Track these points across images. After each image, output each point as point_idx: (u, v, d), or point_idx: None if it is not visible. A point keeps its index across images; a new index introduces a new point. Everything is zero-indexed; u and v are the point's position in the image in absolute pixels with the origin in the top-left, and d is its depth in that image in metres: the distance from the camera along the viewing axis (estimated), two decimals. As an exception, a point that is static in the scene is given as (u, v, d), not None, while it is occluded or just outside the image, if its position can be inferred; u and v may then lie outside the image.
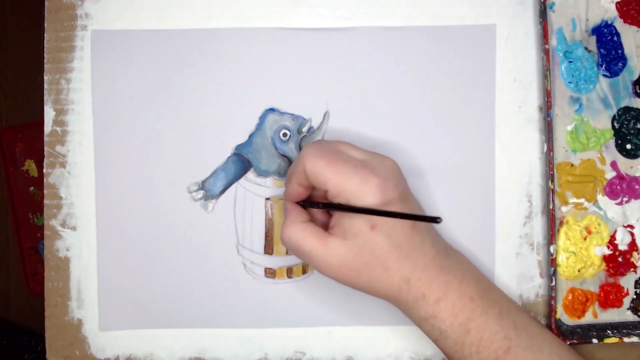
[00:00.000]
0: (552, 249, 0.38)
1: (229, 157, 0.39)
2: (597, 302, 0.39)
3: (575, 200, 0.39)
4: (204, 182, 0.39)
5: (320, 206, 0.33)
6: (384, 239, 0.31)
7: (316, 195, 0.35)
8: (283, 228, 0.33)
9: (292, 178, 0.33)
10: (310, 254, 0.32)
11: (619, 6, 0.39)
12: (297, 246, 0.32)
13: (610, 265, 0.39)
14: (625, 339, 0.37)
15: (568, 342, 0.37)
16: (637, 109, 0.39)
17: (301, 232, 0.32)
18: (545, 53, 0.38)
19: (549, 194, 0.38)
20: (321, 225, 0.34)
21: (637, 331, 0.38)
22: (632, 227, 0.39)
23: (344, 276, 0.32)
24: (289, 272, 0.40)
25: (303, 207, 0.34)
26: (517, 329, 0.33)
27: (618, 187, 0.39)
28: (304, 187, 0.33)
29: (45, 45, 0.39)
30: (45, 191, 0.40)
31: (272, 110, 0.39)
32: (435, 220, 0.29)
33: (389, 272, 0.32)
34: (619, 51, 0.39)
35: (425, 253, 0.32)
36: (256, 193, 0.39)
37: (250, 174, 0.39)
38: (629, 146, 0.39)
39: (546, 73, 0.38)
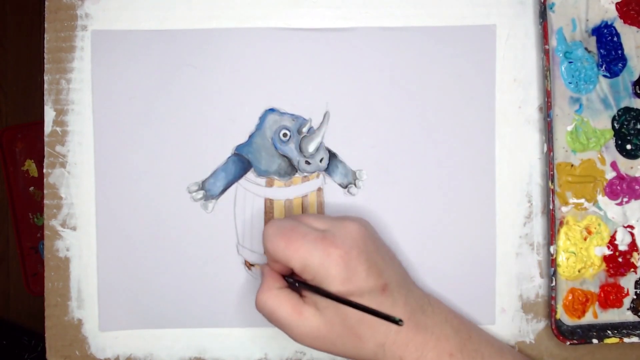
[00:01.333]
0: (552, 249, 0.38)
1: (229, 157, 0.39)
2: (597, 303, 0.39)
3: (575, 200, 0.39)
4: (204, 182, 0.39)
5: (295, 284, 0.33)
6: (354, 310, 0.30)
7: None
8: (258, 293, 0.33)
9: (266, 255, 0.34)
10: (283, 322, 0.32)
11: (619, 7, 0.39)
12: (271, 313, 0.32)
13: (611, 265, 0.39)
14: (626, 339, 0.37)
15: (568, 343, 0.37)
16: (637, 109, 0.39)
17: (276, 298, 0.32)
18: (545, 53, 0.38)
19: (549, 194, 0.38)
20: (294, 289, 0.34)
21: (637, 331, 0.38)
22: (632, 227, 0.39)
23: (319, 346, 0.32)
24: (289, 272, 0.40)
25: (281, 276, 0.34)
26: None
27: (618, 188, 0.39)
28: (277, 264, 0.33)
29: (45, 45, 0.39)
30: (45, 191, 0.40)
31: (272, 110, 0.39)
32: (396, 322, 0.28)
33: (362, 340, 0.32)
34: (619, 52, 0.39)
35: (397, 314, 0.32)
36: (256, 193, 0.39)
37: (250, 174, 0.39)
38: (629, 146, 0.39)
39: (546, 73, 0.38)
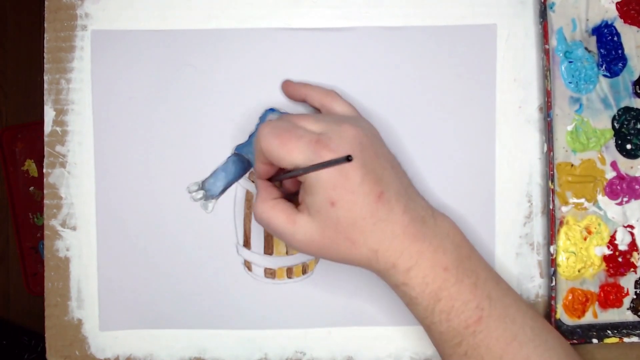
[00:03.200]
0: (552, 249, 0.38)
1: (229, 157, 0.39)
2: (597, 302, 0.39)
3: (575, 200, 0.39)
4: (204, 182, 0.39)
5: (275, 179, 0.34)
6: (345, 213, 0.31)
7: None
8: (254, 205, 0.34)
9: (256, 157, 0.34)
10: (279, 231, 0.33)
11: (619, 6, 0.39)
12: (268, 223, 0.33)
13: (610, 265, 0.39)
14: (625, 339, 0.37)
15: (568, 342, 0.37)
16: (637, 109, 0.39)
17: (271, 209, 0.33)
18: (546, 53, 0.38)
19: (549, 194, 0.38)
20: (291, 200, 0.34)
21: (637, 331, 0.38)
22: (632, 227, 0.39)
23: (312, 251, 0.32)
24: (289, 272, 0.40)
25: (272, 182, 0.35)
26: (492, 300, 0.32)
27: (618, 187, 0.39)
28: (267, 164, 0.33)
29: (45, 45, 0.39)
30: (45, 191, 0.40)
31: (272, 110, 0.39)
32: (347, 159, 0.26)
33: (355, 245, 0.32)
34: (619, 51, 0.39)
35: (394, 222, 0.31)
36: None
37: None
38: (629, 146, 0.39)
39: (546, 73, 0.38)
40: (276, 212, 0.33)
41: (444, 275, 0.32)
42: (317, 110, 0.38)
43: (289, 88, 0.38)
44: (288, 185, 0.36)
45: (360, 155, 0.31)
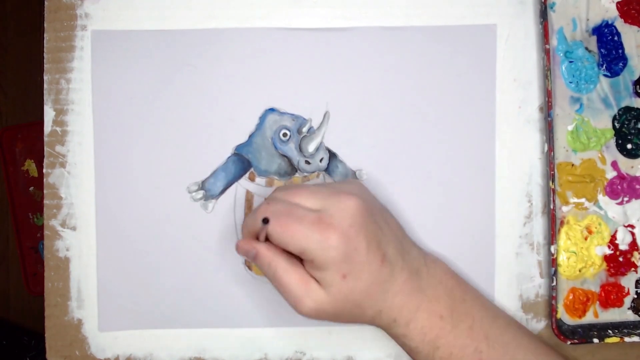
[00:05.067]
0: (552, 248, 0.38)
1: (229, 157, 0.39)
2: (597, 302, 0.39)
3: (575, 200, 0.39)
4: (204, 182, 0.39)
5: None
6: (355, 283, 0.31)
7: None
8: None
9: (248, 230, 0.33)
10: (289, 290, 0.32)
11: (619, 6, 0.39)
12: (277, 278, 0.32)
13: (611, 265, 0.39)
14: (626, 339, 0.37)
15: (569, 342, 0.37)
16: (637, 108, 0.39)
17: (286, 270, 0.32)
18: (546, 53, 0.38)
19: (550, 193, 0.38)
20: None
21: (638, 331, 0.38)
22: (632, 226, 0.39)
23: (319, 317, 0.32)
24: (289, 272, 0.40)
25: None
26: (489, 340, 0.33)
27: (619, 187, 0.39)
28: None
29: (45, 45, 0.39)
30: (45, 191, 0.40)
31: (272, 110, 0.39)
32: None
33: (362, 308, 0.32)
34: (620, 51, 0.39)
35: (394, 281, 0.32)
36: (256, 193, 0.39)
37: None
38: (629, 146, 0.39)
39: (547, 73, 0.38)
40: (290, 272, 0.32)
41: (440, 323, 0.33)
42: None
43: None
44: None
45: (363, 224, 0.31)
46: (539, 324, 0.39)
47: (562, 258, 0.39)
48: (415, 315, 0.33)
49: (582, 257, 0.39)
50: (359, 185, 0.35)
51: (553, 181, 0.38)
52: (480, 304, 0.35)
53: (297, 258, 0.33)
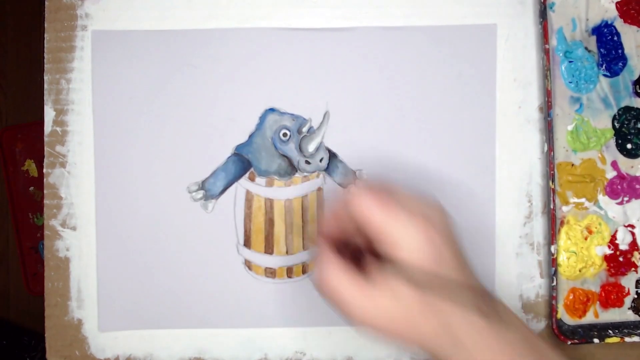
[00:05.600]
0: (552, 248, 0.38)
1: (229, 157, 0.39)
2: (598, 302, 0.39)
3: (575, 200, 0.39)
4: (204, 182, 0.39)
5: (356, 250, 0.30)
6: (436, 282, 0.28)
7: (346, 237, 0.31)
8: (321, 272, 0.29)
9: (333, 217, 0.30)
10: (349, 305, 0.28)
11: (619, 6, 0.39)
12: (335, 294, 0.28)
13: (611, 264, 0.39)
14: (627, 339, 0.37)
15: (569, 342, 0.37)
16: (637, 108, 0.39)
17: (343, 276, 0.28)
18: (546, 53, 0.38)
19: (550, 193, 0.38)
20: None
21: (638, 331, 0.38)
22: (632, 226, 0.39)
23: (391, 332, 0.28)
24: (289, 271, 0.40)
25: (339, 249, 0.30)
26: None
27: (619, 187, 0.39)
28: (341, 230, 0.30)
29: (45, 45, 0.39)
30: (45, 191, 0.40)
31: (272, 110, 0.39)
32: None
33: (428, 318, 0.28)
34: (619, 51, 0.39)
35: (460, 293, 0.28)
36: (256, 193, 0.39)
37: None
38: (629, 146, 0.39)
39: (546, 73, 0.38)
40: (347, 282, 0.28)
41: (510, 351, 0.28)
42: None
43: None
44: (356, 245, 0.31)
45: (456, 240, 0.29)
46: (539, 324, 0.39)
47: (562, 258, 0.39)
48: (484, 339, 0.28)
49: (582, 257, 0.39)
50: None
51: (553, 181, 0.38)
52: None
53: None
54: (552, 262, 0.37)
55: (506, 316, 0.30)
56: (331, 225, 0.30)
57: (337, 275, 0.28)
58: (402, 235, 0.28)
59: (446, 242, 0.28)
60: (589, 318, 0.39)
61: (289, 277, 0.40)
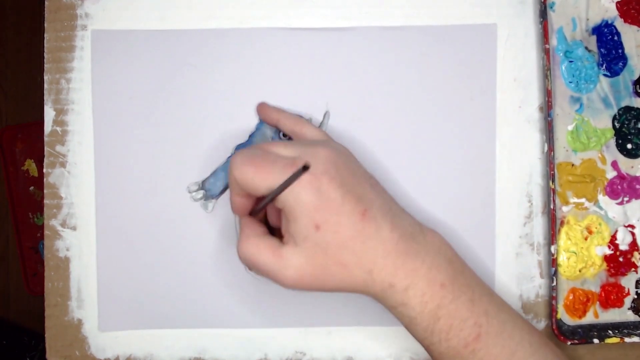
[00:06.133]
0: (553, 248, 0.38)
1: (229, 157, 0.39)
2: (598, 302, 0.39)
3: (576, 200, 0.39)
4: (204, 182, 0.39)
5: (255, 212, 0.33)
6: (332, 235, 0.30)
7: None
8: (238, 243, 0.32)
9: (231, 190, 0.33)
10: (266, 269, 0.31)
11: (619, 6, 0.39)
12: (254, 262, 0.31)
13: (611, 265, 0.39)
14: (627, 339, 0.37)
15: (569, 342, 0.37)
16: (637, 108, 0.39)
17: (255, 247, 0.31)
18: (546, 53, 0.38)
19: (550, 193, 0.38)
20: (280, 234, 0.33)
21: (638, 331, 0.38)
22: (632, 226, 0.39)
23: (305, 284, 0.31)
24: (289, 272, 0.40)
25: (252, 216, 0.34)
26: (488, 316, 0.32)
27: (619, 187, 0.39)
28: (244, 197, 0.32)
29: (45, 45, 0.39)
30: (45, 191, 0.40)
31: (272, 110, 0.39)
32: (304, 168, 0.29)
33: (348, 268, 0.30)
34: (620, 51, 0.39)
35: (384, 240, 0.30)
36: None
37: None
38: (629, 146, 0.39)
39: (546, 73, 0.38)
40: (260, 250, 0.31)
41: (442, 292, 0.31)
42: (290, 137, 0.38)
43: (263, 110, 0.38)
44: (273, 219, 0.35)
45: (337, 174, 0.30)
46: (539, 325, 0.39)
47: (562, 258, 0.39)
48: (413, 281, 0.31)
49: (582, 257, 0.39)
50: (342, 147, 0.33)
51: (553, 181, 0.38)
52: (478, 279, 0.33)
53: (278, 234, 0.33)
54: (552, 262, 0.37)
55: (425, 243, 0.32)
56: (237, 201, 0.33)
57: (253, 244, 0.31)
58: (274, 186, 0.30)
59: (327, 179, 0.30)
60: (588, 318, 0.39)
61: (289, 277, 0.40)
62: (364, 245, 0.30)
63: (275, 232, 0.34)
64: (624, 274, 0.39)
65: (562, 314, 0.38)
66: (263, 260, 0.31)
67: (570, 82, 0.39)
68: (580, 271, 0.39)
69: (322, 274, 0.31)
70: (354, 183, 0.31)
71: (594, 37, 0.39)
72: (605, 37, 0.39)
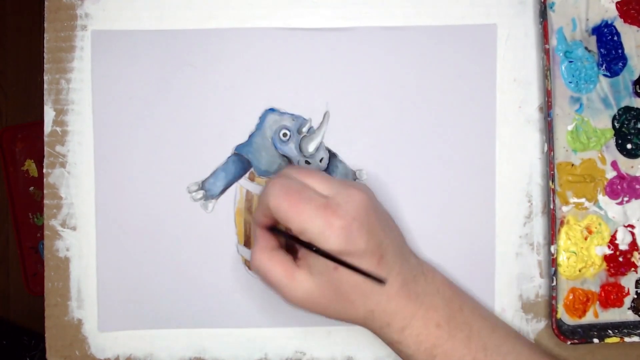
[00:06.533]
0: (552, 248, 0.38)
1: (229, 157, 0.39)
2: (598, 302, 0.39)
3: (575, 200, 0.39)
4: (204, 182, 0.39)
5: (286, 237, 0.33)
6: (347, 277, 0.31)
7: None
8: (252, 254, 0.33)
9: (259, 207, 0.33)
10: (276, 284, 0.32)
11: (619, 6, 0.39)
12: (264, 274, 0.32)
13: (611, 265, 0.39)
14: (626, 339, 0.37)
15: (569, 342, 0.37)
16: (637, 108, 0.39)
17: (268, 260, 0.32)
18: (546, 53, 0.38)
19: (550, 193, 0.38)
20: (289, 249, 0.34)
21: (638, 331, 0.38)
22: (632, 226, 0.39)
23: (308, 308, 0.32)
24: (289, 272, 0.40)
25: (272, 232, 0.34)
26: (487, 351, 0.33)
27: (618, 187, 0.39)
28: (269, 218, 0.33)
29: (45, 45, 0.39)
30: (45, 191, 0.40)
31: (272, 110, 0.39)
32: (381, 281, 0.31)
33: (354, 306, 0.32)
34: (619, 51, 0.39)
35: (390, 285, 0.32)
36: (256, 193, 0.39)
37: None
38: (629, 146, 0.39)
39: (546, 73, 0.38)
40: (274, 264, 0.32)
41: (437, 332, 0.32)
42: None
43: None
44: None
45: (366, 220, 0.31)
46: (539, 324, 0.39)
47: (562, 258, 0.39)
48: (410, 322, 0.32)
49: (582, 257, 0.39)
50: (368, 189, 0.35)
51: (553, 181, 0.38)
52: (479, 314, 0.35)
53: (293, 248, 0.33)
54: (552, 262, 0.38)
55: (425, 285, 0.34)
56: (262, 219, 0.33)
57: (266, 257, 0.32)
58: (309, 228, 0.31)
59: (356, 227, 0.31)
60: (588, 318, 0.39)
61: (289, 277, 0.40)
62: (373, 289, 0.32)
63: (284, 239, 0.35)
64: (623, 274, 0.39)
65: (562, 314, 0.38)
66: (274, 274, 0.32)
67: (570, 82, 0.39)
68: (580, 271, 0.39)
69: (328, 305, 0.32)
70: (377, 229, 0.32)
71: (594, 37, 0.39)
72: (605, 37, 0.39)
